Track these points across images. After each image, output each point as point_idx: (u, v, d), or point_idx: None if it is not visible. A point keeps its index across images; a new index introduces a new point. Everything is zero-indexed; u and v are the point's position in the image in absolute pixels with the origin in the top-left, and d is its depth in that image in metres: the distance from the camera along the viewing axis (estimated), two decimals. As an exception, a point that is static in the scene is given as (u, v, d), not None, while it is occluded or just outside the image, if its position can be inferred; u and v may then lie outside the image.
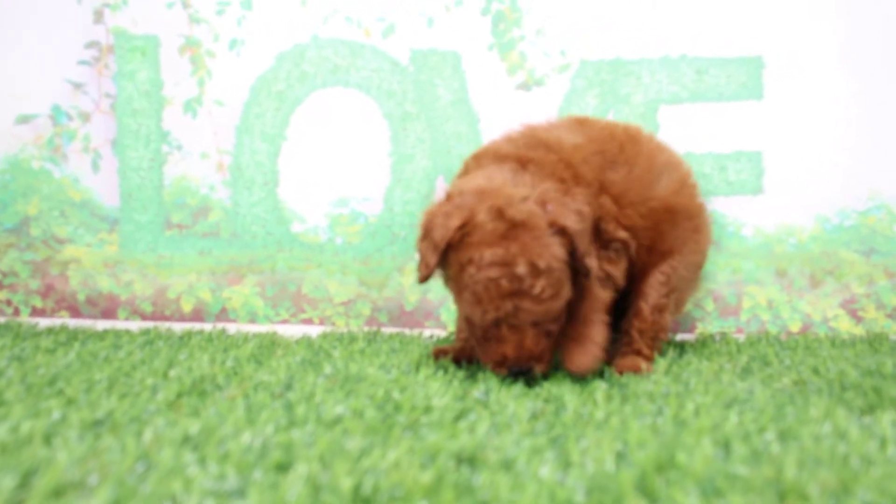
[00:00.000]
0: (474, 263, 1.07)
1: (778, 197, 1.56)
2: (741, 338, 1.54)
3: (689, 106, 1.56)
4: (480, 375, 1.13)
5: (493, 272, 1.06)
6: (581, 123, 1.31)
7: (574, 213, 1.12)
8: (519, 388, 1.08)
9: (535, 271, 1.06)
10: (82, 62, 1.62)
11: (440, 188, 1.58)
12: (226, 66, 1.59)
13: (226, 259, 1.61)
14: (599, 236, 1.21)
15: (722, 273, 1.55)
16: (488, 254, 1.07)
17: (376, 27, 1.58)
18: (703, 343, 1.48)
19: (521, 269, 1.06)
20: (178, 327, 1.56)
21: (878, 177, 1.55)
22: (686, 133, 1.56)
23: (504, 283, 1.06)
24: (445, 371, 1.17)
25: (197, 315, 1.61)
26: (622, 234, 1.23)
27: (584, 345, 1.16)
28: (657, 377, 1.15)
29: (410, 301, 1.59)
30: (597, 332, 1.17)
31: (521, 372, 1.10)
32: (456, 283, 1.13)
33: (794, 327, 1.57)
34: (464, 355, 1.27)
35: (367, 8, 1.58)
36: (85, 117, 1.61)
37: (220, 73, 1.59)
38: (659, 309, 1.28)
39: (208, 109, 1.59)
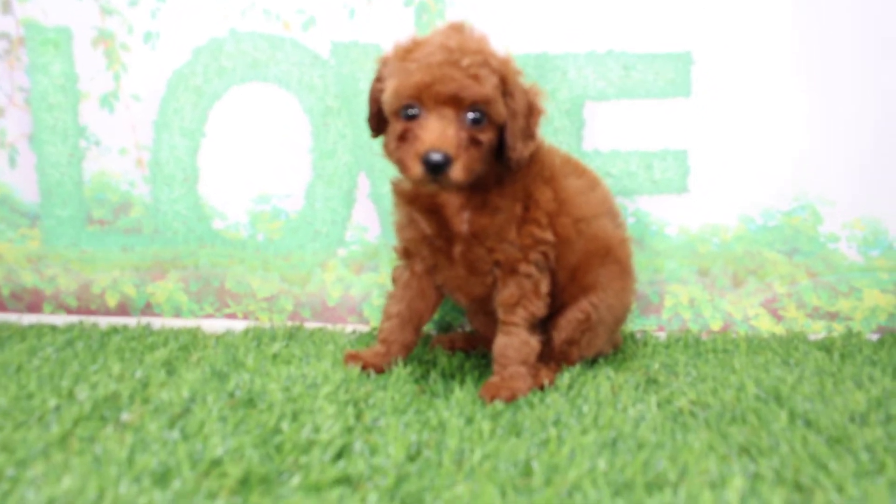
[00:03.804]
0: (410, 58, 1.12)
1: (703, 196, 1.55)
2: (662, 336, 1.56)
3: (616, 102, 1.53)
4: (379, 396, 1.15)
5: (429, 49, 1.10)
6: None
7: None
8: (412, 412, 1.10)
9: (468, 52, 1.10)
10: (-7, 54, 1.58)
11: (362, 184, 1.56)
12: (141, 60, 1.55)
13: (149, 255, 1.60)
14: (524, 226, 1.21)
15: (644, 272, 1.55)
16: (427, 48, 1.11)
17: (296, 20, 1.53)
18: (623, 342, 1.50)
19: (454, 45, 1.11)
20: (104, 322, 1.57)
21: (804, 177, 1.54)
22: (612, 130, 1.53)
23: (437, 55, 1.09)
24: (346, 388, 1.19)
25: (122, 309, 1.62)
26: (549, 235, 1.23)
27: (500, 389, 1.18)
28: (554, 399, 1.16)
29: (333, 297, 1.59)
30: (520, 384, 1.20)
31: (438, 167, 1.06)
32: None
33: (716, 326, 1.58)
34: (374, 364, 1.29)
35: (286, 0, 1.53)
36: (-1, 111, 1.58)
37: (135, 67, 1.55)
38: (569, 343, 1.29)
39: (125, 104, 1.56)
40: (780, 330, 1.58)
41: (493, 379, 1.21)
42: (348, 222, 1.57)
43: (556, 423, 1.07)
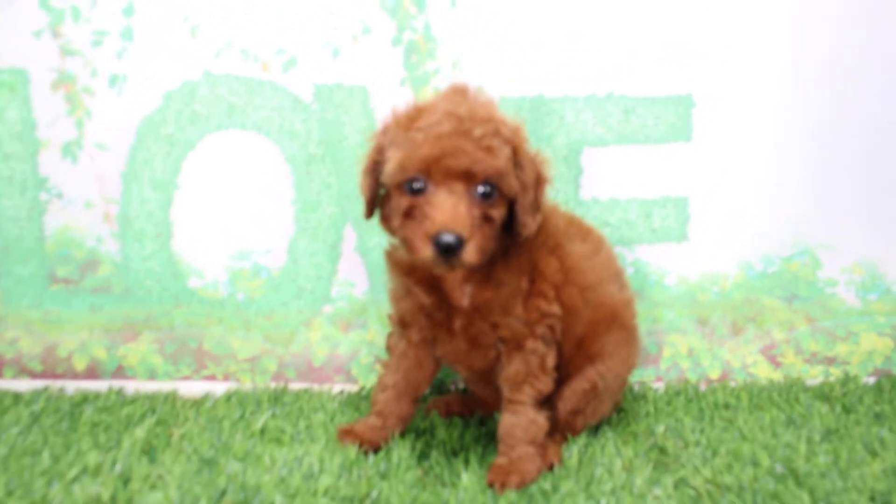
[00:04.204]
0: (415, 128, 1.03)
1: (703, 244, 1.50)
2: (660, 388, 1.51)
3: (615, 148, 1.46)
4: (383, 489, 1.08)
5: (436, 118, 1.01)
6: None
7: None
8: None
9: (479, 121, 1.02)
10: (-59, 99, 1.43)
11: (348, 237, 1.47)
12: (107, 106, 1.42)
13: (119, 315, 1.48)
14: (530, 300, 1.15)
15: (643, 323, 1.49)
16: (433, 116, 1.02)
17: (276, 60, 1.42)
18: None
19: (464, 114, 1.02)
20: (72, 387, 1.46)
21: (804, 222, 1.51)
22: (611, 177, 1.47)
23: (445, 125, 1.00)
24: (347, 478, 1.11)
25: (91, 373, 1.50)
26: (556, 308, 1.16)
27: (510, 474, 1.11)
28: (568, 487, 1.10)
29: (319, 356, 1.51)
30: (530, 466, 1.13)
31: (450, 249, 0.98)
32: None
33: (714, 374, 1.55)
34: (371, 441, 1.21)
35: (264, 39, 1.41)
36: (-51, 162, 1.44)
37: (100, 113, 1.42)
38: (575, 413, 1.23)
39: (90, 154, 1.43)
40: (777, 376, 1.55)
41: (501, 461, 1.15)
42: (334, 277, 1.48)
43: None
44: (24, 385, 1.47)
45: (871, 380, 1.56)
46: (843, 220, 1.51)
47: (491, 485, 1.10)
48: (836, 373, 1.56)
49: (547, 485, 1.11)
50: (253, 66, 1.42)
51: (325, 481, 1.09)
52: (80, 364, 1.50)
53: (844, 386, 1.52)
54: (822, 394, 1.49)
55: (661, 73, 1.45)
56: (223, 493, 1.05)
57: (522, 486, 1.10)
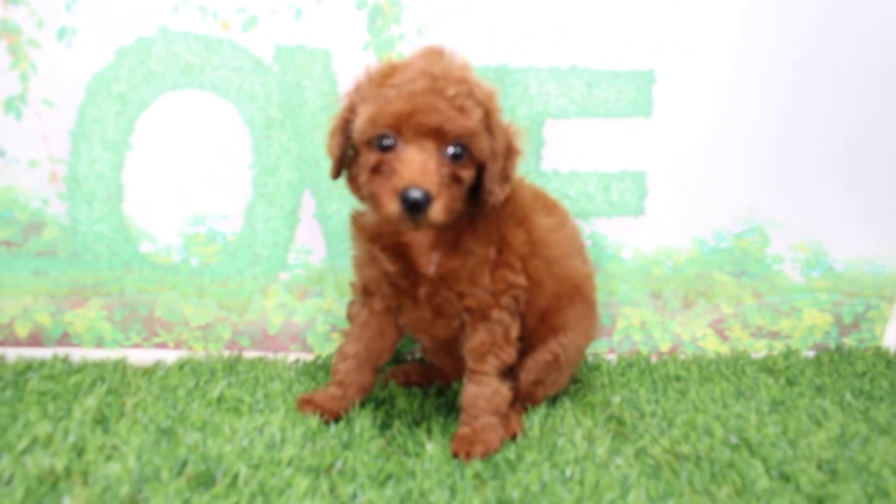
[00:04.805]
0: (388, 84, 1.02)
1: (659, 219, 1.52)
2: (613, 359, 1.54)
3: (577, 121, 1.46)
4: (347, 458, 1.07)
5: (410, 75, 1.01)
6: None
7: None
8: (391, 484, 1.03)
9: (453, 81, 1.01)
10: None
11: (307, 203, 1.44)
12: (54, 60, 1.34)
13: (66, 280, 1.42)
14: (497, 270, 1.15)
15: (599, 295, 1.51)
16: (407, 74, 1.01)
17: (236, 19, 1.36)
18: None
19: (438, 73, 1.01)
20: (13, 354, 1.40)
21: (754, 200, 1.54)
22: (572, 150, 1.47)
23: (419, 82, 1.00)
24: (311, 448, 1.10)
25: (35, 340, 1.44)
26: (522, 279, 1.16)
27: (473, 444, 1.12)
28: (533, 457, 1.11)
29: (274, 324, 1.48)
30: (493, 436, 1.14)
31: (417, 205, 0.97)
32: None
33: (665, 347, 1.58)
34: (331, 409, 1.20)
35: (224, -3, 1.36)
36: None
37: (47, 68, 1.34)
38: (536, 383, 1.24)
39: (35, 110, 1.35)
40: (724, 349, 1.60)
41: (464, 431, 1.15)
42: (291, 244, 1.45)
43: (544, 490, 1.03)
44: (-38, 352, 1.40)
45: (812, 353, 1.62)
46: (792, 199, 1.55)
47: (455, 454, 1.11)
48: (779, 346, 1.62)
49: (511, 454, 1.12)
50: (212, 24, 1.36)
51: (288, 451, 1.08)
52: (22, 331, 1.43)
53: (787, 359, 1.58)
54: (767, 367, 1.54)
55: (624, 48, 1.45)
56: (184, 463, 1.03)
57: (487, 455, 1.11)
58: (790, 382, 1.47)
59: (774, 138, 1.52)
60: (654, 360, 1.54)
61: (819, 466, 1.13)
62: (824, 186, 1.55)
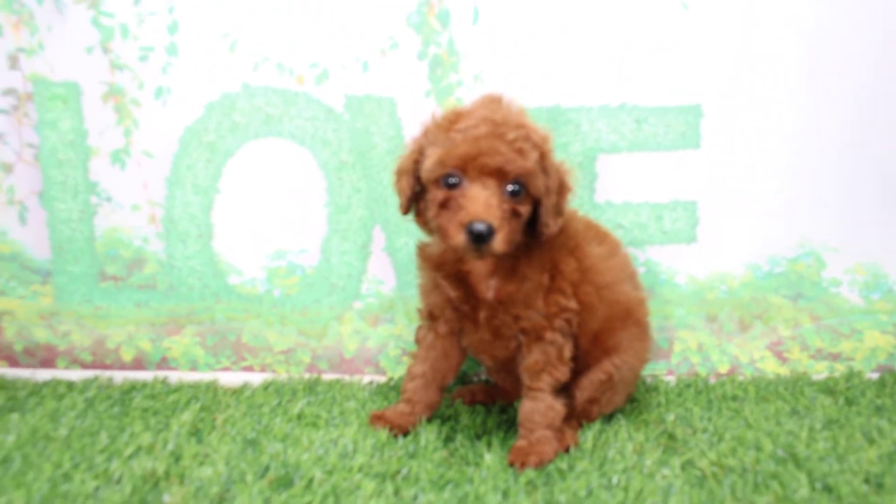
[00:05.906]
0: (455, 129, 1.14)
1: (711, 245, 1.58)
2: (671, 381, 1.59)
3: (628, 155, 1.55)
4: (412, 466, 1.17)
5: (473, 121, 1.13)
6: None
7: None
8: (449, 488, 1.12)
9: (512, 126, 1.13)
10: (0, 111, 1.55)
11: (377, 238, 1.57)
12: (152, 116, 1.53)
13: (164, 310, 1.59)
14: (550, 295, 1.24)
15: (654, 319, 1.57)
16: (471, 120, 1.14)
17: (309, 74, 1.53)
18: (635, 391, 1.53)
19: (499, 119, 1.14)
20: (120, 376, 1.57)
21: (808, 225, 1.59)
22: (624, 182, 1.56)
23: (482, 127, 1.12)
24: (380, 457, 1.20)
25: (138, 364, 1.61)
26: (573, 304, 1.26)
27: (529, 455, 1.20)
28: (584, 467, 1.19)
29: (349, 349, 1.61)
30: (547, 448, 1.22)
31: (481, 237, 1.09)
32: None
33: (723, 369, 1.63)
34: (400, 425, 1.31)
35: (299, 54, 1.52)
36: (7, 168, 1.55)
37: (146, 123, 1.53)
38: (591, 401, 1.32)
39: (137, 160, 1.54)
40: (784, 371, 1.63)
41: (521, 443, 1.24)
42: (364, 275, 1.58)
43: (590, 495, 1.10)
44: (76, 375, 1.58)
45: (875, 375, 1.63)
46: (846, 223, 1.59)
47: (511, 464, 1.19)
48: (840, 368, 1.64)
49: (563, 464, 1.20)
50: (288, 79, 1.53)
51: (359, 460, 1.19)
52: (127, 355, 1.61)
53: (849, 380, 1.59)
54: (827, 387, 1.56)
55: (671, 85, 1.54)
56: (266, 468, 1.15)
57: (541, 465, 1.19)
58: (849, 402, 1.49)
59: (825, 165, 1.56)
60: (712, 381, 1.59)
61: (866, 480, 1.15)
62: (878, 210, 1.58)
